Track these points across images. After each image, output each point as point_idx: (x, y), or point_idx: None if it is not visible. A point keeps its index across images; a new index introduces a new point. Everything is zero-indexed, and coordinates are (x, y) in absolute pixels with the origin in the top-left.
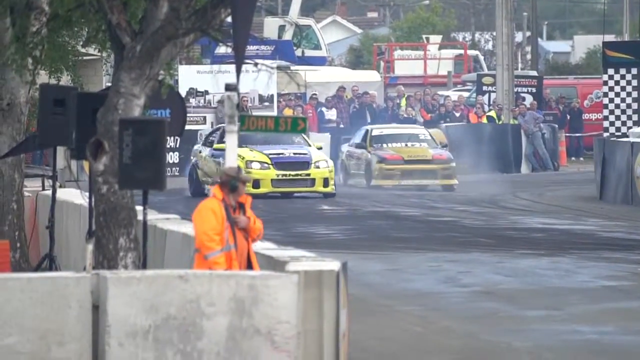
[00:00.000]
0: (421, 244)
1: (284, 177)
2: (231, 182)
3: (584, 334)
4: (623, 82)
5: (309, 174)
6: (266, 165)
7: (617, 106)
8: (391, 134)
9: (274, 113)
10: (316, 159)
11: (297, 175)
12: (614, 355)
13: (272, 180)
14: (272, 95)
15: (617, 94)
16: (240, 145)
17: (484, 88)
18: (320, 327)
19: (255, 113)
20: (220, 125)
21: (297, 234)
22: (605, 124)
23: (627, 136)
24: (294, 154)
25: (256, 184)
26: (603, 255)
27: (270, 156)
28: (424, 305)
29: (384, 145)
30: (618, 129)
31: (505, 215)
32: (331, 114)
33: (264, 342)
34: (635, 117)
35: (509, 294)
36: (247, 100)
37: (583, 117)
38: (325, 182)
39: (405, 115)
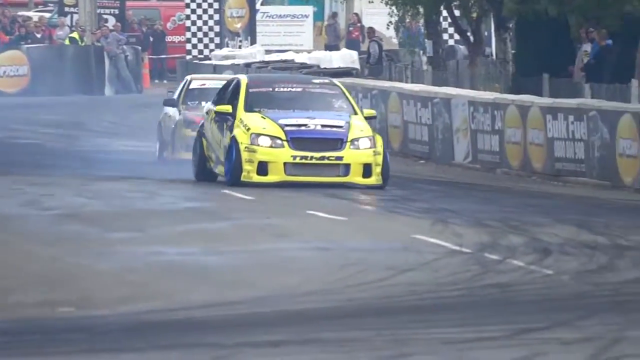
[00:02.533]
0: (3, 167)
1: (304, 161)
2: None
3: (167, 255)
4: (205, 5)
5: (341, 157)
6: (279, 141)
7: (200, 29)
8: (218, 87)
9: None
10: (355, 135)
11: (322, 157)
12: (196, 275)
13: (285, 164)
14: None
15: (200, 17)
16: (251, 109)
17: (66, 9)
18: None
19: None
20: (234, 76)
21: None
22: (188, 46)
23: (210, 58)
24: (323, 126)
25: (262, 168)
26: (187, 177)
27: (286, 128)
28: (5, 230)
29: (203, 103)
30: (201, 52)
31: (90, 137)
32: None
33: None
34: (217, 40)
35: (94, 217)
36: None
37: (166, 40)
38: (367, 170)
39: None
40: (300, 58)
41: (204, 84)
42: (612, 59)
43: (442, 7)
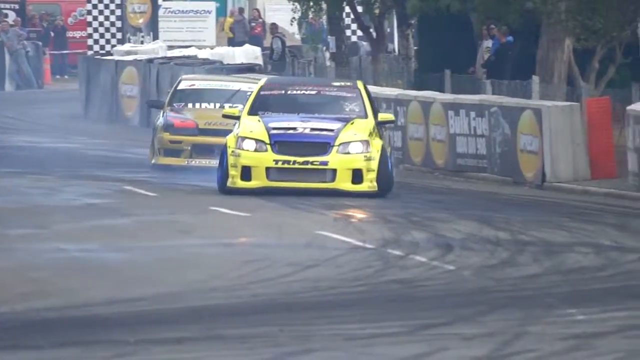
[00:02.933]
0: None
1: (286, 166)
2: None
3: (68, 252)
4: (106, 0)
5: (326, 162)
6: (263, 145)
7: (101, 24)
8: (207, 88)
9: None
10: (346, 139)
11: (305, 162)
12: (98, 272)
13: (267, 169)
14: None
15: (101, 12)
16: (255, 112)
17: None
18: None
19: None
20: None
21: None
22: (90, 41)
23: (112, 54)
24: (312, 129)
25: (246, 173)
26: (88, 173)
27: (272, 132)
28: None
29: (189, 105)
30: (102, 47)
31: None
32: None
33: None
34: (119, 36)
35: None
36: None
37: (67, 35)
38: (357, 176)
39: None
40: (203, 54)
41: (193, 85)
42: (513, 55)
43: (345, 4)
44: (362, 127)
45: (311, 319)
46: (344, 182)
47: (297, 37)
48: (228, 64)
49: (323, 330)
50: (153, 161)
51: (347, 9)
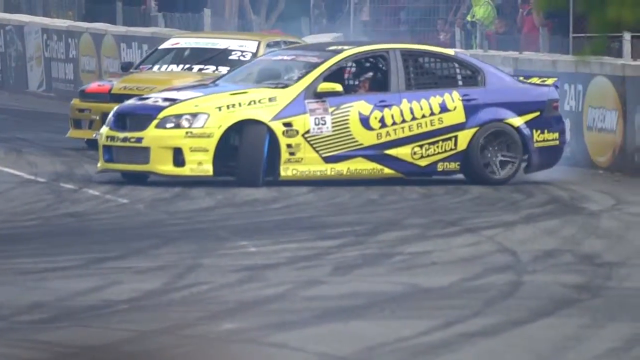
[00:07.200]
0: None
1: (111, 143)
2: None
3: None
4: None
5: (140, 139)
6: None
7: None
8: (191, 47)
9: None
10: (178, 111)
11: (125, 139)
12: None
13: (103, 147)
14: None
15: None
16: (226, 81)
17: None
18: None
19: None
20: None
21: None
22: None
23: None
24: (165, 99)
25: (99, 153)
26: None
27: (125, 103)
28: None
29: (156, 67)
30: None
31: None
32: None
33: None
34: None
35: None
36: None
37: None
38: (177, 157)
39: None
40: None
41: (177, 43)
42: None
43: None
44: (247, 96)
45: None
46: (162, 164)
47: None
48: None
49: None
50: (67, 134)
51: None
